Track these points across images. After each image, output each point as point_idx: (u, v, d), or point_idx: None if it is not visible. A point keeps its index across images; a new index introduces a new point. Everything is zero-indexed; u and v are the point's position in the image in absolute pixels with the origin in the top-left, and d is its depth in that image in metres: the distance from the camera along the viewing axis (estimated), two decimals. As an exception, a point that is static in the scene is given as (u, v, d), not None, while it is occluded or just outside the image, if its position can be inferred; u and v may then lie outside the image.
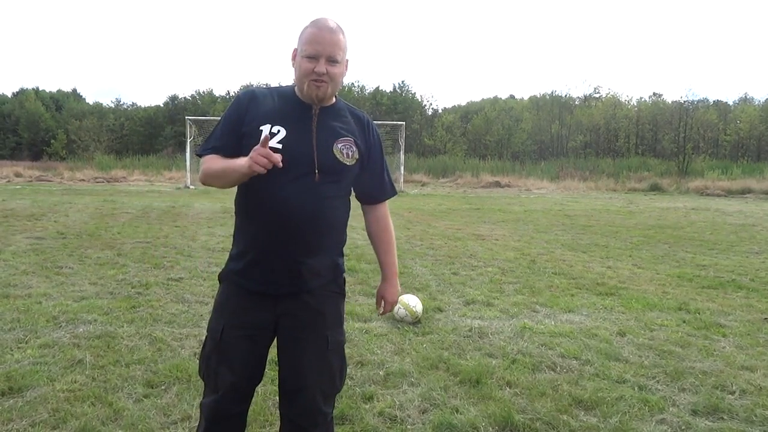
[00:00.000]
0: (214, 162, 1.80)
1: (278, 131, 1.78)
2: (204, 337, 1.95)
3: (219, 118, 1.99)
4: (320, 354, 1.85)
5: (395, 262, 2.08)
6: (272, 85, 1.98)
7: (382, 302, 2.10)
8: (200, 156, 1.89)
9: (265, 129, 1.77)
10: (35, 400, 2.82)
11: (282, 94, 1.89)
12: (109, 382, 3.07)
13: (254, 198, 1.81)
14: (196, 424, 2.16)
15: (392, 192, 2.04)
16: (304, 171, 1.77)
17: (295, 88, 1.87)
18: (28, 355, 3.42)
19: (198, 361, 2.01)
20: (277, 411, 1.99)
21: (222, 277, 1.92)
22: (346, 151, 1.82)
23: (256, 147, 1.64)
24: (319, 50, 1.75)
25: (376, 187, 2.00)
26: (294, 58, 1.83)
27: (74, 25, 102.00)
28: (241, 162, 1.67)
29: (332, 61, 1.76)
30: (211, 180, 1.82)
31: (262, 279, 1.81)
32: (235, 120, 1.84)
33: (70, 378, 3.10)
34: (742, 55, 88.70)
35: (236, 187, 1.86)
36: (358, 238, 8.52)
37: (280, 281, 1.81)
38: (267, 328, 1.84)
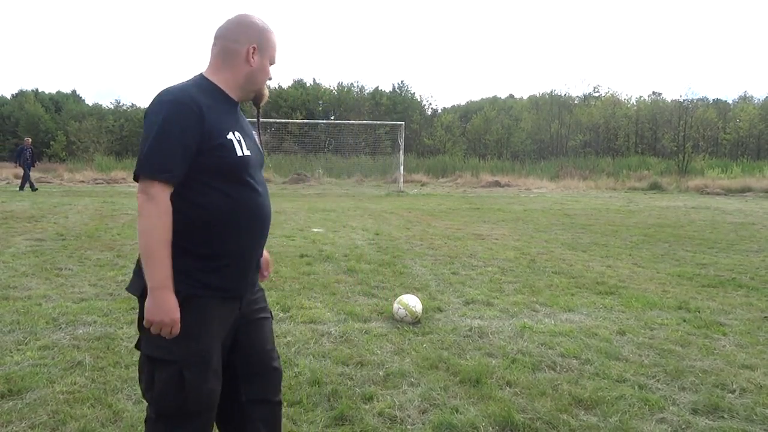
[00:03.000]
0: (163, 228, 1.58)
1: (239, 138, 1.75)
2: (173, 372, 1.66)
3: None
4: (271, 327, 2.00)
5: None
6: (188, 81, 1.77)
7: None
8: (151, 178, 1.56)
9: (231, 136, 1.71)
10: (35, 402, 2.82)
11: (209, 92, 1.73)
12: (108, 384, 3.07)
13: (234, 205, 1.73)
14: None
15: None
16: (261, 172, 1.86)
17: (219, 83, 1.76)
18: (27, 356, 3.42)
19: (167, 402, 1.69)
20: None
21: (193, 294, 1.68)
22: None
23: (172, 327, 1.59)
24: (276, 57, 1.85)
25: None
26: (251, 55, 1.75)
27: (73, 27, 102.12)
28: (150, 296, 1.58)
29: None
30: (143, 235, 1.57)
31: (240, 283, 1.82)
32: (194, 141, 1.62)
33: (70, 380, 3.11)
34: (742, 53, 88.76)
35: (199, 191, 1.68)
36: (358, 239, 8.53)
37: (251, 280, 1.87)
38: (232, 328, 1.87)
